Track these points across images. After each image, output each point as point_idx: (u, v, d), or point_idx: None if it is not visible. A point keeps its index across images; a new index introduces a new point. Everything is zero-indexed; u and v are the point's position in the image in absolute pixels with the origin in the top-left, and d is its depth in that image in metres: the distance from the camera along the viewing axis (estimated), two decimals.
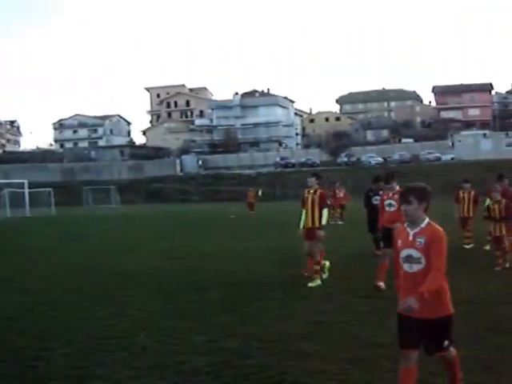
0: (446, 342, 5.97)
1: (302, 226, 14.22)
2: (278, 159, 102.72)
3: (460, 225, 20.27)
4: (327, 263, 14.59)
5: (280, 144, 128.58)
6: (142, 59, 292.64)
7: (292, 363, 7.80)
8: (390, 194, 13.35)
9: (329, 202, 17.44)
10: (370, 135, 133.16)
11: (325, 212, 14.08)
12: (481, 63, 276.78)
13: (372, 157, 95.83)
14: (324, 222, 14.00)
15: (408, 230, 6.08)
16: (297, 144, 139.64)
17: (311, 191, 14.16)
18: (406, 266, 6.03)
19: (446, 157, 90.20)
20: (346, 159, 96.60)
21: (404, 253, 6.04)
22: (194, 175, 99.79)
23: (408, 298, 5.67)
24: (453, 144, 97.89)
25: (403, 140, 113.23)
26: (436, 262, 5.79)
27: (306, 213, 14.07)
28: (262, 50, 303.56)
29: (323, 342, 8.79)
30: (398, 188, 13.16)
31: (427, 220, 6.04)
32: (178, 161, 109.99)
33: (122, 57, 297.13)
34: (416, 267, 5.95)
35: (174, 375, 7.62)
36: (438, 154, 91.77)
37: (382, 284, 12.61)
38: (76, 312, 11.54)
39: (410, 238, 6.01)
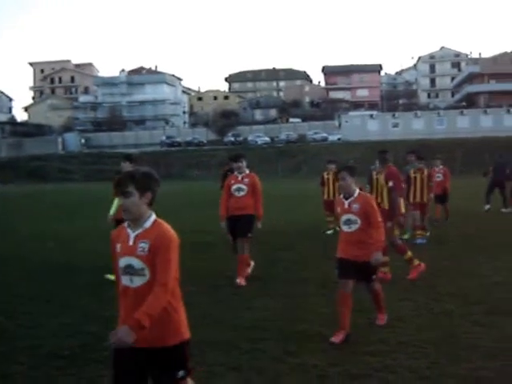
0: (181, 373, 4.78)
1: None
2: (163, 138, 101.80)
3: (324, 208, 19.52)
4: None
5: (167, 122, 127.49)
6: (25, 33, 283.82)
7: None
8: (240, 178, 11.95)
9: None
10: (258, 114, 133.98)
11: None
12: (371, 44, 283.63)
13: (259, 136, 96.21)
14: None
15: (129, 230, 4.76)
16: (184, 123, 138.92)
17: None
18: (124, 279, 4.73)
19: (333, 137, 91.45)
20: (232, 139, 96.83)
21: (122, 261, 4.73)
22: (76, 154, 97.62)
23: (120, 327, 4.48)
24: (340, 124, 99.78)
25: (291, 120, 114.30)
26: (160, 275, 4.59)
27: None
28: (150, 26, 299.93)
29: None
30: (247, 171, 12.05)
31: (154, 217, 4.78)
32: (60, 139, 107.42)
33: (4, 30, 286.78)
34: (138, 280, 4.67)
35: (30, 359, 7.62)
36: (324, 134, 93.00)
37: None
38: None
39: (131, 242, 4.70)
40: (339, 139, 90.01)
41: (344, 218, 8.12)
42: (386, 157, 12.27)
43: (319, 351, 7.50)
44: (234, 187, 11.82)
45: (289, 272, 12.81)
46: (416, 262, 11.93)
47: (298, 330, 8.44)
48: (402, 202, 12.65)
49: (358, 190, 8.16)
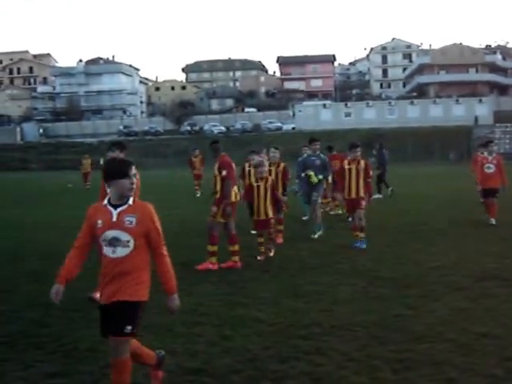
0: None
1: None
2: (121, 127, 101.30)
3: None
4: None
5: (124, 112, 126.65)
6: None
7: (88, 331, 7.82)
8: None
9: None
10: (214, 104, 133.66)
11: None
12: (324, 35, 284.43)
13: (215, 126, 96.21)
14: None
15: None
16: (142, 112, 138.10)
17: None
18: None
19: (287, 126, 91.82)
20: (188, 128, 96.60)
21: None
22: (34, 144, 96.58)
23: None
24: (294, 114, 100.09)
25: (246, 109, 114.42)
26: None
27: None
28: (107, 17, 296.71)
29: None
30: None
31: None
32: (18, 129, 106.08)
33: None
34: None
35: None
36: (279, 124, 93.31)
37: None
38: None
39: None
40: (293, 128, 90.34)
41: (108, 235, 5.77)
42: (218, 147, 12.18)
43: (253, 335, 7.53)
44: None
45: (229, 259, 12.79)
46: (213, 259, 11.88)
47: (234, 314, 8.46)
48: (233, 190, 12.03)
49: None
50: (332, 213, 20.27)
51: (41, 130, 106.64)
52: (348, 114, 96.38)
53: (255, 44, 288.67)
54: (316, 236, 15.31)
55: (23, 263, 12.77)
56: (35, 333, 7.87)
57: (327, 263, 12.00)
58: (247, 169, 15.70)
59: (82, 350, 7.19)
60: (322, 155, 16.47)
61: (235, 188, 12.15)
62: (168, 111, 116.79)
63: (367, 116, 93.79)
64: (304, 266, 11.84)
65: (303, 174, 15.82)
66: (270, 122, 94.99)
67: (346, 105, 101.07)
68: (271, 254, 12.89)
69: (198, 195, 29.28)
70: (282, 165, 14.83)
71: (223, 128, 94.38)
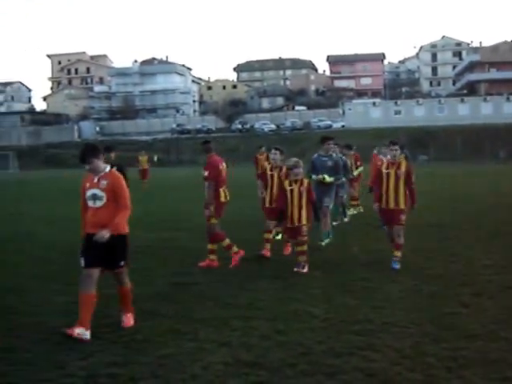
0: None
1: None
2: (174, 126, 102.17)
3: None
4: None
5: (177, 111, 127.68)
6: (43, 27, 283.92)
7: (145, 323, 7.95)
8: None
9: None
10: (265, 103, 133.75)
11: None
12: (374, 34, 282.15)
13: (265, 124, 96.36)
14: None
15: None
16: (194, 111, 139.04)
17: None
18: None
19: (337, 124, 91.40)
20: (239, 126, 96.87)
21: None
22: (91, 141, 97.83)
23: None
24: (343, 112, 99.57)
25: (296, 108, 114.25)
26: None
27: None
28: (161, 18, 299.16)
29: (180, 302, 8.97)
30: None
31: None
32: (76, 127, 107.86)
33: (24, 24, 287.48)
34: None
35: (33, 334, 7.67)
36: (329, 122, 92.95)
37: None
38: None
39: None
40: (343, 126, 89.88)
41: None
42: (208, 147, 11.99)
43: (307, 330, 7.50)
44: None
45: (281, 256, 12.77)
46: (235, 248, 11.77)
47: (288, 309, 8.45)
48: (221, 192, 11.75)
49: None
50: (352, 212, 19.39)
51: (97, 128, 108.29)
52: (398, 112, 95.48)
53: (305, 43, 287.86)
54: (323, 244, 13.76)
55: None
56: (95, 324, 7.95)
57: (378, 260, 11.88)
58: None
59: (139, 341, 7.26)
60: (335, 155, 14.56)
61: (224, 188, 11.85)
62: (220, 110, 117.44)
63: (417, 114, 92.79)
64: (355, 262, 11.76)
65: (314, 177, 13.70)
66: (320, 120, 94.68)
67: (395, 103, 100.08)
68: (304, 271, 10.96)
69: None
70: (286, 168, 12.55)
71: (273, 126, 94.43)
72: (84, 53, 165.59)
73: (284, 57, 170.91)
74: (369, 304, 8.63)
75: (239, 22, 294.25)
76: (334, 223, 16.06)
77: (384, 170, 11.53)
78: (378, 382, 5.89)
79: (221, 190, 11.75)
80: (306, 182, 11.43)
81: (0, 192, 38.11)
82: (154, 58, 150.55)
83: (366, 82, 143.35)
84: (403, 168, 11.40)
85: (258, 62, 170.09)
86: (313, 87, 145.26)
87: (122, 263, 7.87)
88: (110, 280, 8.06)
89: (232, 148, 73.94)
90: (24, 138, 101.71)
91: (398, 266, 11.14)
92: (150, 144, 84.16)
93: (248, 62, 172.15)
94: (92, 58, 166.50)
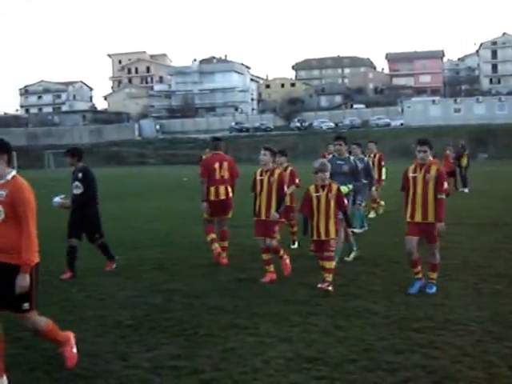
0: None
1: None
2: (233, 124, 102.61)
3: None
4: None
5: (236, 109, 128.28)
6: (104, 27, 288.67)
7: (207, 317, 8.05)
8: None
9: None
10: (323, 101, 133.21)
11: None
12: (433, 31, 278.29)
13: (324, 122, 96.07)
14: None
15: None
16: (252, 109, 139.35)
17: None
18: None
19: (396, 122, 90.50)
20: (298, 124, 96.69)
21: None
22: (151, 139, 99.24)
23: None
24: (402, 110, 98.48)
25: (355, 106, 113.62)
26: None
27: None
28: (220, 18, 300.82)
29: (241, 298, 9.04)
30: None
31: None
32: (136, 125, 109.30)
33: (86, 24, 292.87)
34: None
35: (96, 327, 7.85)
36: (387, 120, 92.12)
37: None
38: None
39: None
40: (402, 124, 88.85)
41: None
42: (217, 144, 11.99)
43: (368, 326, 7.49)
44: None
45: (342, 252, 12.74)
46: (216, 245, 11.90)
47: (348, 306, 8.44)
48: (212, 190, 11.73)
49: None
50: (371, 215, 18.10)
51: (157, 127, 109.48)
52: (457, 110, 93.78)
53: (364, 41, 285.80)
54: (350, 258, 11.89)
55: (145, 251, 13.17)
56: (158, 317, 8.12)
57: None
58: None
59: (201, 335, 7.35)
60: (352, 158, 12.32)
61: (217, 186, 11.81)
62: (278, 108, 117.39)
63: (477, 112, 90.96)
64: None
65: None
66: (379, 118, 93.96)
67: (455, 101, 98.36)
68: (330, 288, 9.26)
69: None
70: (278, 172, 10.39)
71: (332, 124, 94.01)
72: (144, 52, 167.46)
73: (342, 55, 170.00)
74: (429, 301, 8.57)
75: (298, 20, 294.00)
76: (357, 230, 14.20)
77: (410, 174, 9.30)
78: (439, 379, 5.85)
79: (212, 188, 11.75)
80: (334, 187, 9.65)
81: (63, 189, 38.80)
82: (213, 57, 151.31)
83: (425, 79, 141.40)
84: (433, 172, 9.13)
85: (316, 60, 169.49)
86: (371, 85, 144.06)
87: (26, 305, 5.94)
88: (173, 275, 8.15)
89: (290, 146, 73.74)
90: (86, 137, 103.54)
91: (433, 291, 9.09)
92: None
93: (306, 60, 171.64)
94: (152, 57, 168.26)
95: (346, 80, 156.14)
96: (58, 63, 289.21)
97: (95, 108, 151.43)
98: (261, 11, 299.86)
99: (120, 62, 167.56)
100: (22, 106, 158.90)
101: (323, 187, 9.59)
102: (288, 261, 10.59)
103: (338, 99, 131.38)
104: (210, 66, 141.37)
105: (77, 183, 10.89)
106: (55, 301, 9.17)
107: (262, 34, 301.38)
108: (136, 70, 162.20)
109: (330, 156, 12.80)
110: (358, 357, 6.43)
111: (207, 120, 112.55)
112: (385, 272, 10.68)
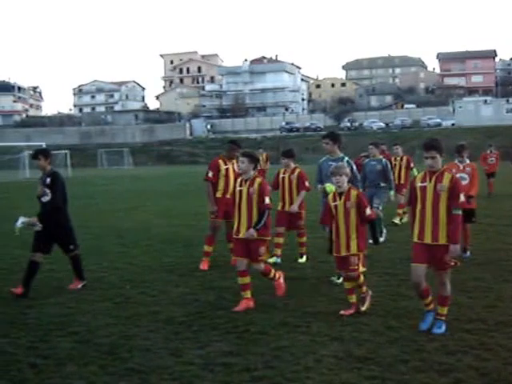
0: None
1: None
2: (283, 124, 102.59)
3: None
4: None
5: (286, 109, 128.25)
6: (157, 27, 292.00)
7: (259, 315, 8.10)
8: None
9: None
10: (373, 101, 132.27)
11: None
12: (485, 30, 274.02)
13: (374, 122, 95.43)
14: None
15: None
16: (303, 109, 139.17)
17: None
18: None
19: (447, 122, 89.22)
20: (348, 124, 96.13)
21: None
22: (202, 139, 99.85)
23: None
24: (454, 110, 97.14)
25: (406, 106, 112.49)
26: None
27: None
28: (271, 18, 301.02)
29: (292, 296, 9.07)
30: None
31: None
32: (187, 125, 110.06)
33: (138, 25, 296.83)
34: None
35: (149, 323, 7.95)
36: (438, 120, 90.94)
37: None
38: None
39: None
40: (453, 124, 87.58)
41: None
42: (230, 146, 11.74)
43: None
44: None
45: (393, 252, 12.69)
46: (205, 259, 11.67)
47: (399, 306, 8.41)
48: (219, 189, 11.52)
49: None
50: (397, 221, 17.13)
51: (208, 126, 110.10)
52: (509, 110, 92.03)
53: (415, 40, 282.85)
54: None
55: (198, 249, 13.28)
56: (210, 314, 8.20)
57: (491, 260, 11.60)
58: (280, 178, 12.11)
59: (253, 333, 7.40)
60: (347, 157, 10.66)
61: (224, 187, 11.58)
62: (328, 108, 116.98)
63: None
64: (468, 261, 11.47)
65: (319, 187, 10.56)
66: (430, 118, 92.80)
67: (507, 101, 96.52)
68: (363, 309, 8.25)
69: None
70: (258, 181, 8.78)
71: (382, 124, 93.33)
72: (195, 52, 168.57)
73: (393, 54, 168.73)
74: (481, 303, 8.47)
75: (348, 20, 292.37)
76: (381, 239, 13.02)
77: (418, 184, 7.55)
78: (491, 382, 5.79)
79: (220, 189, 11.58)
80: (354, 193, 8.32)
81: (117, 187, 39.40)
82: (263, 57, 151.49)
83: (476, 79, 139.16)
84: (446, 181, 7.34)
85: (366, 59, 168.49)
86: (422, 85, 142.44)
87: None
88: (225, 273, 8.20)
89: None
90: (138, 136, 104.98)
91: (442, 331, 7.29)
92: (259, 142, 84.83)
93: (357, 60, 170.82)
94: (203, 57, 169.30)
95: (396, 80, 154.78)
96: (111, 63, 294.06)
97: (147, 107, 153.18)
98: (312, 11, 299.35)
99: (172, 62, 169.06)
100: (75, 106, 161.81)
101: (340, 195, 8.33)
102: (282, 280, 9.19)
103: (389, 99, 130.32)
104: (261, 66, 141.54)
105: (45, 190, 9.68)
106: (110, 296, 9.38)
107: (312, 34, 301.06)
108: (187, 69, 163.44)
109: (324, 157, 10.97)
110: (410, 357, 6.40)
111: (258, 120, 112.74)
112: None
